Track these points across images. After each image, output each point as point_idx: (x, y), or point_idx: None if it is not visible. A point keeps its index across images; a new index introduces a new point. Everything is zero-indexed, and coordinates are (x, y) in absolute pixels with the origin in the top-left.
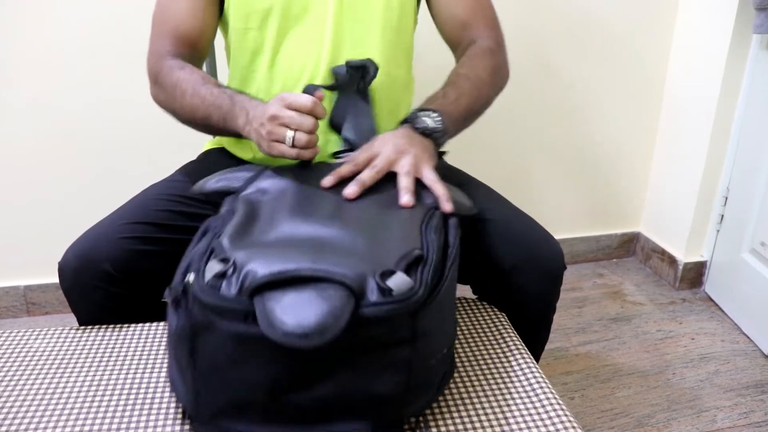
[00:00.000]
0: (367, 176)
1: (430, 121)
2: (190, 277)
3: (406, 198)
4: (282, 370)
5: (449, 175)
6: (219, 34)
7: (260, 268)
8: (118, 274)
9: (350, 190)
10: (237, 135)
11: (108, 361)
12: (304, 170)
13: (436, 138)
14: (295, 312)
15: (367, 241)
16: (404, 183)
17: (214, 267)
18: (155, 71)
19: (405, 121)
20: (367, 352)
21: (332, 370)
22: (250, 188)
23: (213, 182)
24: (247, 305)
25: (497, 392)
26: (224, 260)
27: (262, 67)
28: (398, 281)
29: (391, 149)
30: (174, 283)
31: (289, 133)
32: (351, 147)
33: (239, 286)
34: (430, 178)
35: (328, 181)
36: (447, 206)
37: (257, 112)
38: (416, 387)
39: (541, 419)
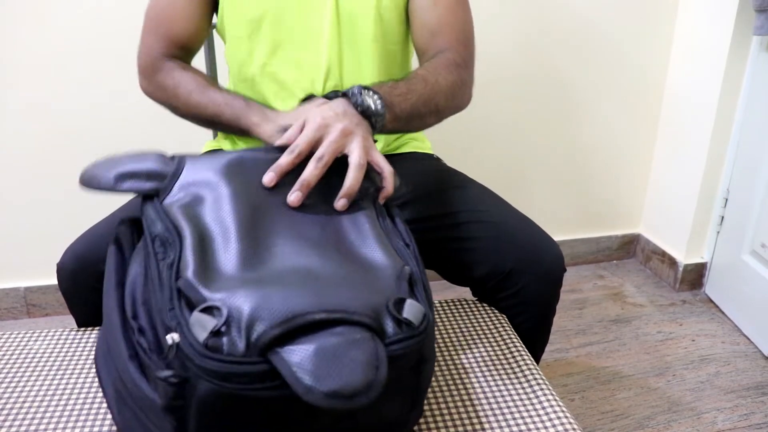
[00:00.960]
0: (312, 176)
1: (371, 102)
2: (173, 337)
3: (341, 203)
4: (295, 424)
5: (448, 177)
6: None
7: (262, 315)
8: None
9: (294, 197)
10: (241, 132)
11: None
12: (230, 161)
13: (374, 123)
14: (333, 369)
15: (353, 261)
16: (352, 179)
17: (203, 321)
18: (150, 70)
19: (343, 94)
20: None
21: (352, 414)
22: (174, 191)
23: (117, 183)
24: (263, 365)
25: (497, 394)
26: (209, 309)
27: (253, 76)
28: (413, 310)
29: (336, 134)
30: (119, 335)
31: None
32: None
33: (245, 341)
34: (381, 163)
35: (269, 178)
36: (381, 200)
37: (282, 115)
38: (416, 408)
39: (542, 421)
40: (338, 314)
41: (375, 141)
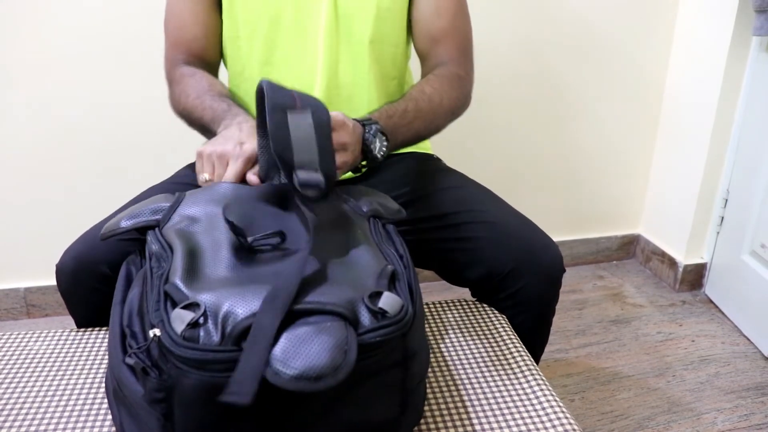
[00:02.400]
0: None
1: (378, 146)
2: (155, 332)
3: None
4: (276, 417)
5: (448, 177)
6: None
7: (238, 308)
8: (116, 277)
9: None
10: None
11: (107, 363)
12: (221, 190)
13: (368, 163)
14: (300, 353)
15: (336, 262)
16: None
17: (182, 315)
18: (169, 78)
19: (363, 125)
20: (363, 381)
21: (330, 406)
22: (173, 219)
23: (125, 221)
24: (236, 353)
25: (497, 394)
26: (190, 306)
27: (251, 77)
28: (389, 301)
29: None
30: (116, 343)
31: (205, 177)
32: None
33: (221, 333)
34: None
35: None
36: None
37: (228, 129)
38: (408, 408)
39: (542, 421)
40: (311, 305)
41: (360, 171)
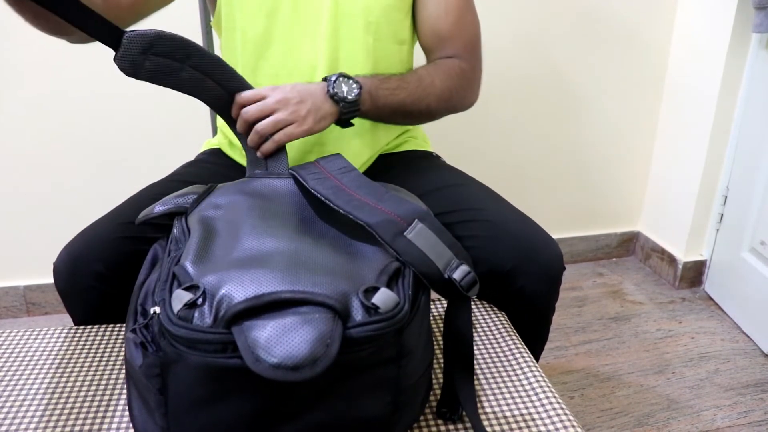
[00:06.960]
0: (253, 142)
1: (346, 89)
2: (155, 309)
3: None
4: (265, 402)
5: (447, 175)
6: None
7: (234, 292)
8: (112, 274)
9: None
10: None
11: (107, 360)
12: (253, 182)
13: (342, 109)
14: (282, 342)
15: (341, 255)
16: (251, 134)
17: (181, 296)
18: None
19: (324, 79)
20: (354, 375)
21: (318, 396)
22: (200, 206)
23: (160, 206)
24: (225, 336)
25: (497, 392)
26: (192, 287)
27: (246, 70)
28: (384, 298)
29: (283, 115)
30: (130, 319)
31: None
32: None
33: (214, 315)
34: (287, 134)
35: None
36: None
37: None
38: (403, 406)
39: (541, 418)
40: (303, 295)
41: (351, 125)
